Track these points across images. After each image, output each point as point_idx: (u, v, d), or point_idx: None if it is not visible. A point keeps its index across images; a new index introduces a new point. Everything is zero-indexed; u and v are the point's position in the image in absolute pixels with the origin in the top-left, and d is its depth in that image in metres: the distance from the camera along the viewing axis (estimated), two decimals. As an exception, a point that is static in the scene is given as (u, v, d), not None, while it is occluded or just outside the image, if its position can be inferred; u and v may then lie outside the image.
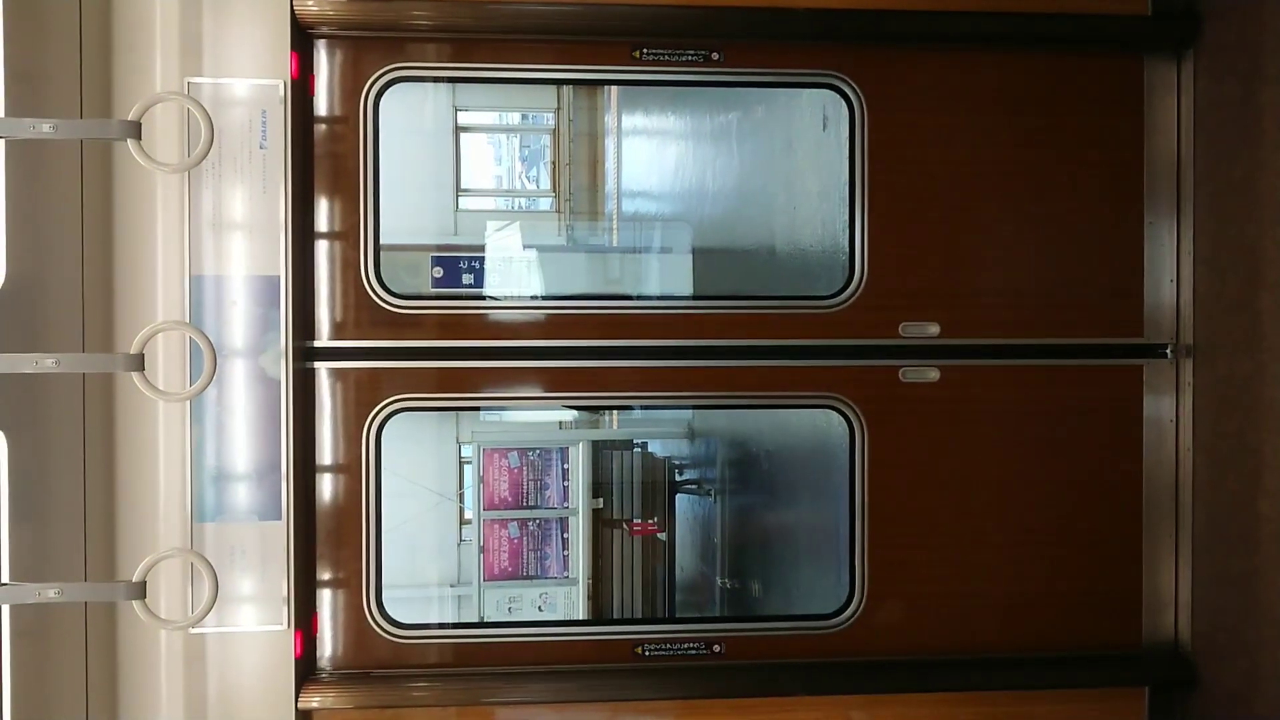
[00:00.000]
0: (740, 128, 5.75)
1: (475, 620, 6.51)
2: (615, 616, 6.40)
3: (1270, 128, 2.96)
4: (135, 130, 2.57)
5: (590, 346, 3.22)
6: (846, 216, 3.28)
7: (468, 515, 7.63)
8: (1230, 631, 3.10)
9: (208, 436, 2.94)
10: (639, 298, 6.51)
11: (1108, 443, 3.33)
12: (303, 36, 3.05)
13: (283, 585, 2.96)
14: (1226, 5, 3.13)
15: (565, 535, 6.56)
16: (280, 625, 2.96)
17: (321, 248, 3.14)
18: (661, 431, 7.09)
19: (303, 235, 3.07)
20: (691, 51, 3.19)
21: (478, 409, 6.68)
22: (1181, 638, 3.29)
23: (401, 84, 3.17)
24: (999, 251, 3.30)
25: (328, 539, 3.15)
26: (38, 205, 2.79)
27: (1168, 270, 3.32)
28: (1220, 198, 3.17)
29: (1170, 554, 3.31)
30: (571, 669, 3.16)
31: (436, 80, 3.36)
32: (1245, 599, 3.04)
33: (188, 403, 2.90)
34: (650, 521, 6.49)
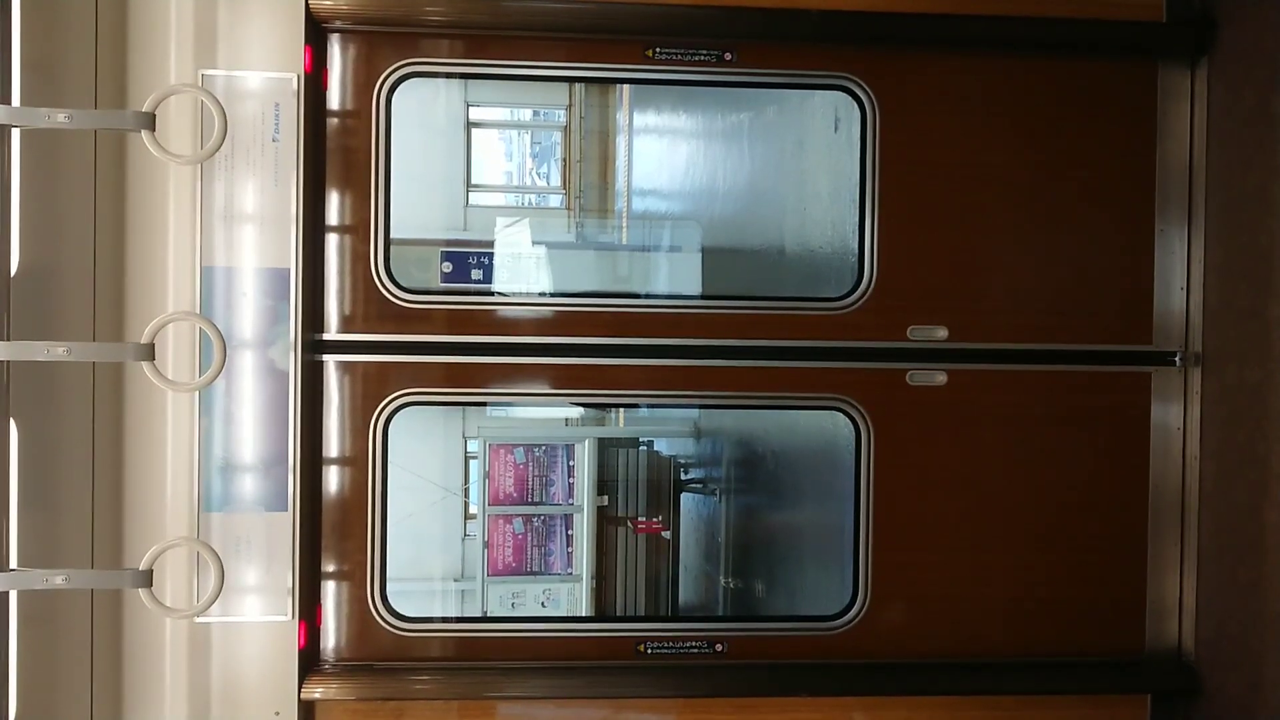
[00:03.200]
0: (752, 128, 5.74)
1: (478, 615, 6.52)
2: (618, 614, 6.40)
3: (1284, 136, 2.95)
4: (149, 121, 2.58)
5: (598, 344, 3.22)
6: (856, 218, 3.27)
7: (472, 510, 7.64)
8: (1235, 640, 3.10)
9: (216, 427, 2.95)
10: (647, 296, 6.50)
11: (1115, 449, 3.32)
12: (317, 30, 3.06)
13: (288, 576, 2.97)
14: (1242, 13, 3.12)
15: (569, 532, 6.56)
16: (285, 616, 2.98)
17: (332, 241, 3.15)
18: (667, 430, 7.08)
19: (313, 228, 3.08)
20: (704, 51, 3.19)
21: (485, 404, 6.68)
22: (1185, 645, 3.28)
23: (414, 79, 3.18)
24: (1009, 256, 3.30)
25: (333, 531, 3.16)
26: (51, 195, 2.81)
27: (1178, 278, 3.31)
28: (1232, 206, 3.16)
29: (1175, 561, 3.31)
30: (573, 665, 3.16)
31: (449, 76, 3.36)
32: (1251, 608, 3.03)
33: (196, 393, 2.92)
34: (655, 520, 6.49)
